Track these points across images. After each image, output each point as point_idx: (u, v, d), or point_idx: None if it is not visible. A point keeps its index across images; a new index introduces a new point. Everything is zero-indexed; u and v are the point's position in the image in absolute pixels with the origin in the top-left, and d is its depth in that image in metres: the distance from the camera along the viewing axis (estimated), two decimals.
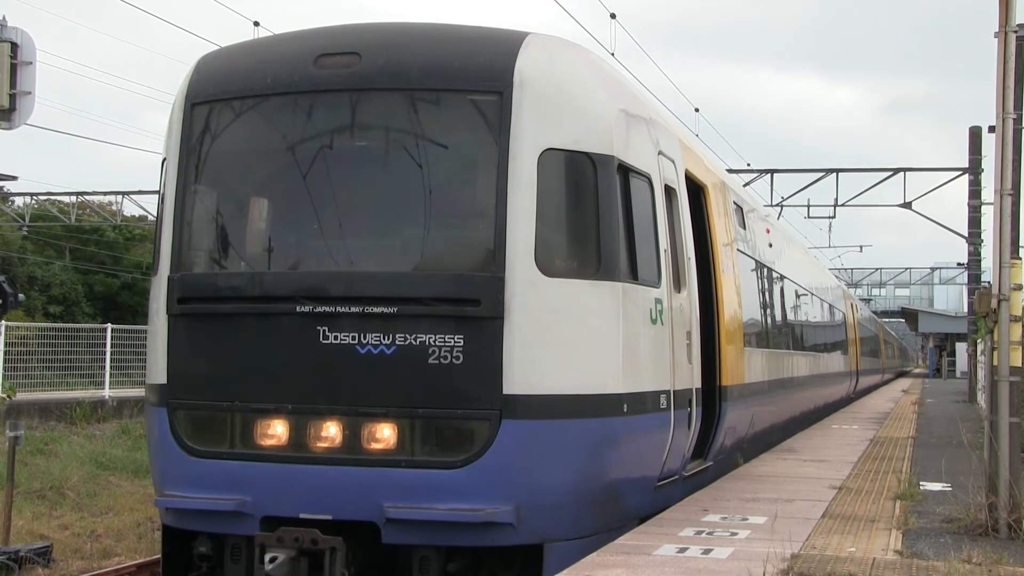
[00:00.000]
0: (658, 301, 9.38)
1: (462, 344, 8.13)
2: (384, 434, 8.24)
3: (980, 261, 35.24)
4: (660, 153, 9.94)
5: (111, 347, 30.75)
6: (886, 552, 8.20)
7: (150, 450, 9.41)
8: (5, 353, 28.15)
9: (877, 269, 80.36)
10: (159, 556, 9.88)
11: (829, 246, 69.13)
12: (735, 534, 8.65)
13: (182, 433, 8.71)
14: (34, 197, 44.09)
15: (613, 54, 25.08)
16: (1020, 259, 9.39)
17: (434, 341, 8.15)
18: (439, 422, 8.20)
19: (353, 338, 8.27)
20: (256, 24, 26.04)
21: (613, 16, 25.67)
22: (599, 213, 8.63)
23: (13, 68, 13.09)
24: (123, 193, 42.29)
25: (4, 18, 13.04)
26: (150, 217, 44.92)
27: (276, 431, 8.44)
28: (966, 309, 45.03)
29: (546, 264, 8.32)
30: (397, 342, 8.20)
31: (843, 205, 35.80)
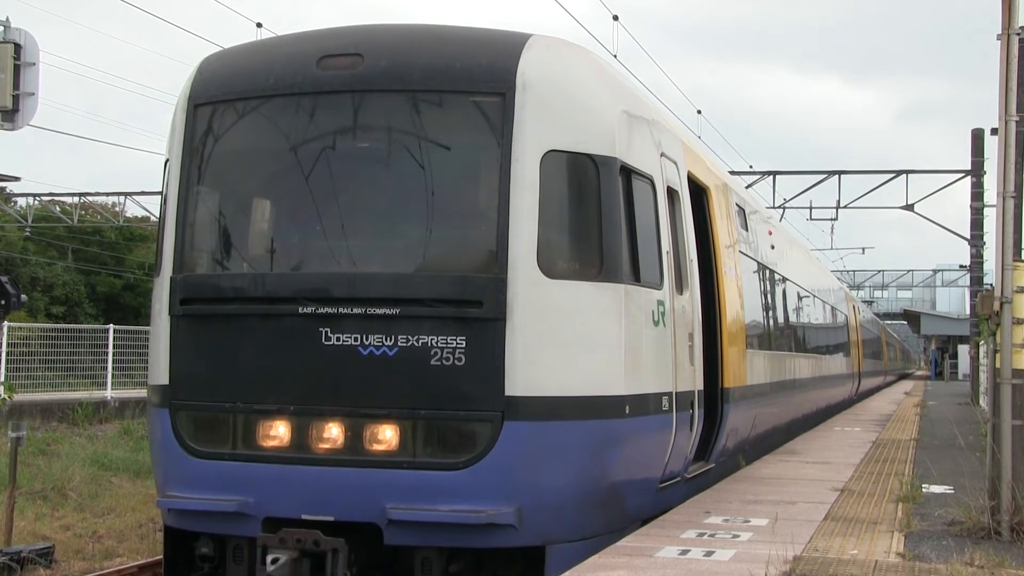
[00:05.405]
0: (660, 303, 9.38)
1: (464, 345, 8.13)
2: (386, 435, 8.24)
3: (982, 263, 35.20)
4: (663, 155, 9.94)
5: (113, 348, 30.76)
6: (888, 555, 8.20)
7: (152, 451, 9.42)
8: (7, 354, 28.15)
9: (880, 271, 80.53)
10: (161, 557, 9.90)
11: (831, 248, 69.09)
12: (737, 536, 8.65)
13: (184, 434, 8.71)
14: (37, 198, 44.15)
15: (616, 56, 25.10)
16: (1023, 261, 9.40)
17: (436, 342, 8.15)
18: (441, 423, 8.20)
19: (355, 339, 8.28)
20: (259, 25, 26.04)
21: (615, 18, 25.70)
22: (601, 215, 8.63)
23: (16, 69, 13.13)
24: (126, 194, 42.40)
25: (8, 20, 13.06)
26: (153, 218, 45.01)
27: (278, 432, 8.45)
28: (968, 311, 44.99)
29: (548, 266, 8.32)
30: (399, 343, 8.20)
31: (845, 207, 35.78)
